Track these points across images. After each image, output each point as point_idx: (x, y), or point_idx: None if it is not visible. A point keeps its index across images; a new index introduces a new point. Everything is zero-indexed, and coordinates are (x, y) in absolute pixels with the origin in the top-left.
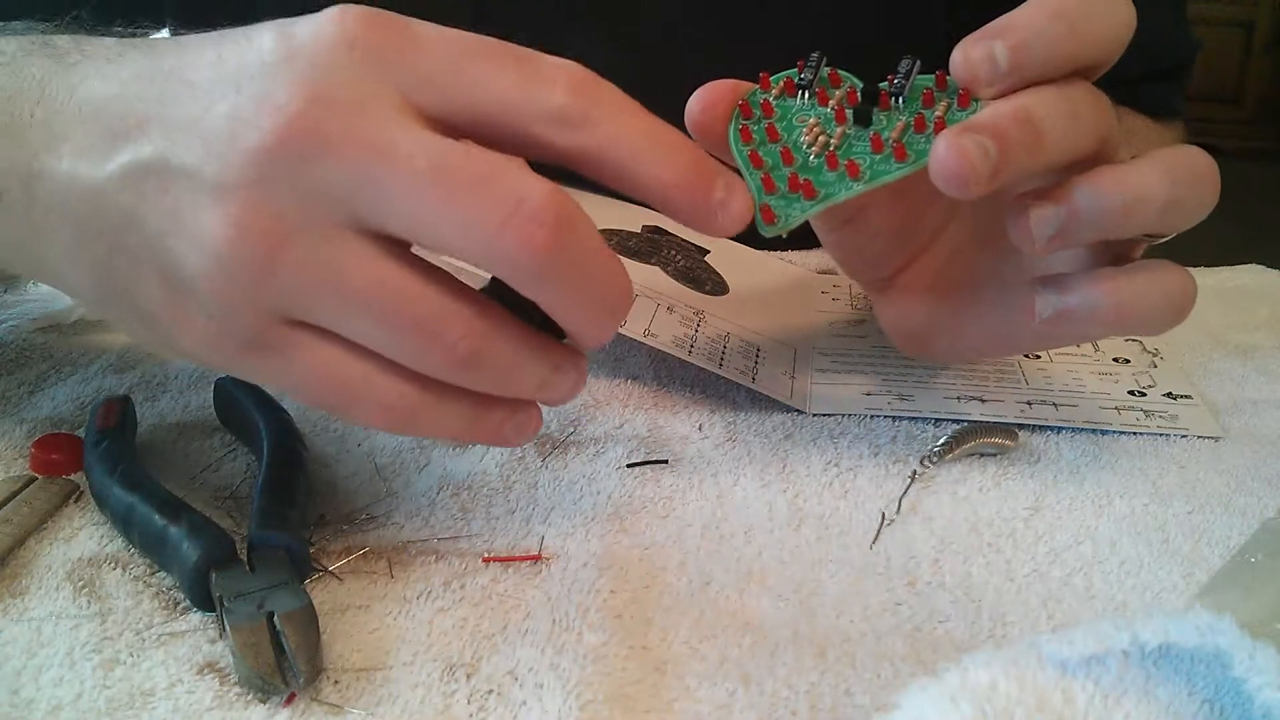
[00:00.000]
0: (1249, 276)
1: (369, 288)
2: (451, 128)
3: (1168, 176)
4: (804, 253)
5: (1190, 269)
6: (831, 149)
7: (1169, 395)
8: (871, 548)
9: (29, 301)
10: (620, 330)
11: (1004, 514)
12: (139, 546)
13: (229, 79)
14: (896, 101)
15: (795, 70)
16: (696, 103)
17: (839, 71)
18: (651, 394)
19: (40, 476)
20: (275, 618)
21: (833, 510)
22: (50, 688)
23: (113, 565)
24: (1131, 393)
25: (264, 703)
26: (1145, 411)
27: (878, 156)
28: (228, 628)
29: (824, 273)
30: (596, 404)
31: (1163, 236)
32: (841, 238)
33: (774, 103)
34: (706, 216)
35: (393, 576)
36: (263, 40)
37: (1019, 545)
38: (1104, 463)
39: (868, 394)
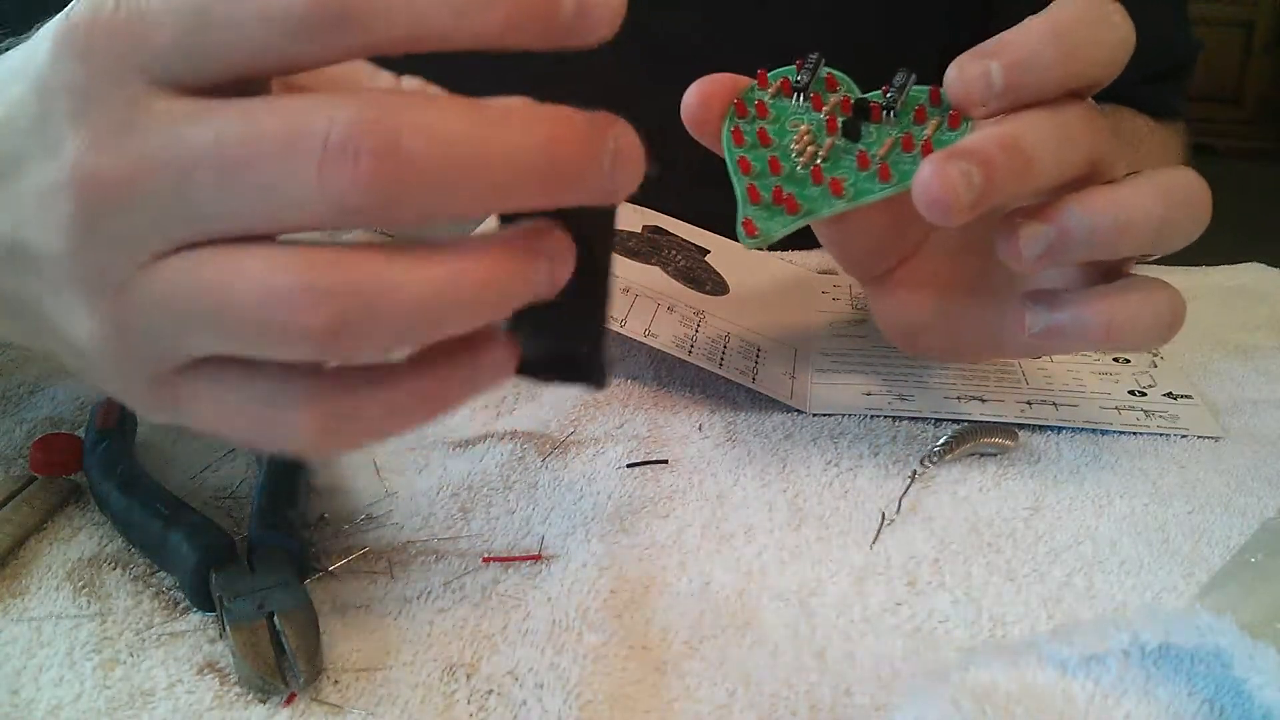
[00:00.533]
0: (1250, 275)
1: (195, 297)
2: (223, 87)
3: (1161, 199)
4: (804, 253)
5: (1190, 268)
6: (819, 162)
7: (1169, 395)
8: (871, 548)
9: None
10: (620, 330)
11: (1004, 514)
12: (139, 546)
13: (20, 141)
14: (888, 115)
15: (793, 69)
16: (693, 96)
17: (835, 75)
18: (651, 394)
19: (40, 476)
20: (275, 618)
21: (833, 510)
22: (50, 688)
23: (113, 565)
24: (1132, 393)
25: (264, 703)
26: (1145, 411)
27: (863, 174)
28: (228, 628)
29: (824, 273)
30: (596, 404)
31: (1152, 255)
32: (834, 233)
33: (769, 103)
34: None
35: (393, 576)
36: (15, 91)
37: (1019, 545)
38: (1104, 463)
39: (868, 394)
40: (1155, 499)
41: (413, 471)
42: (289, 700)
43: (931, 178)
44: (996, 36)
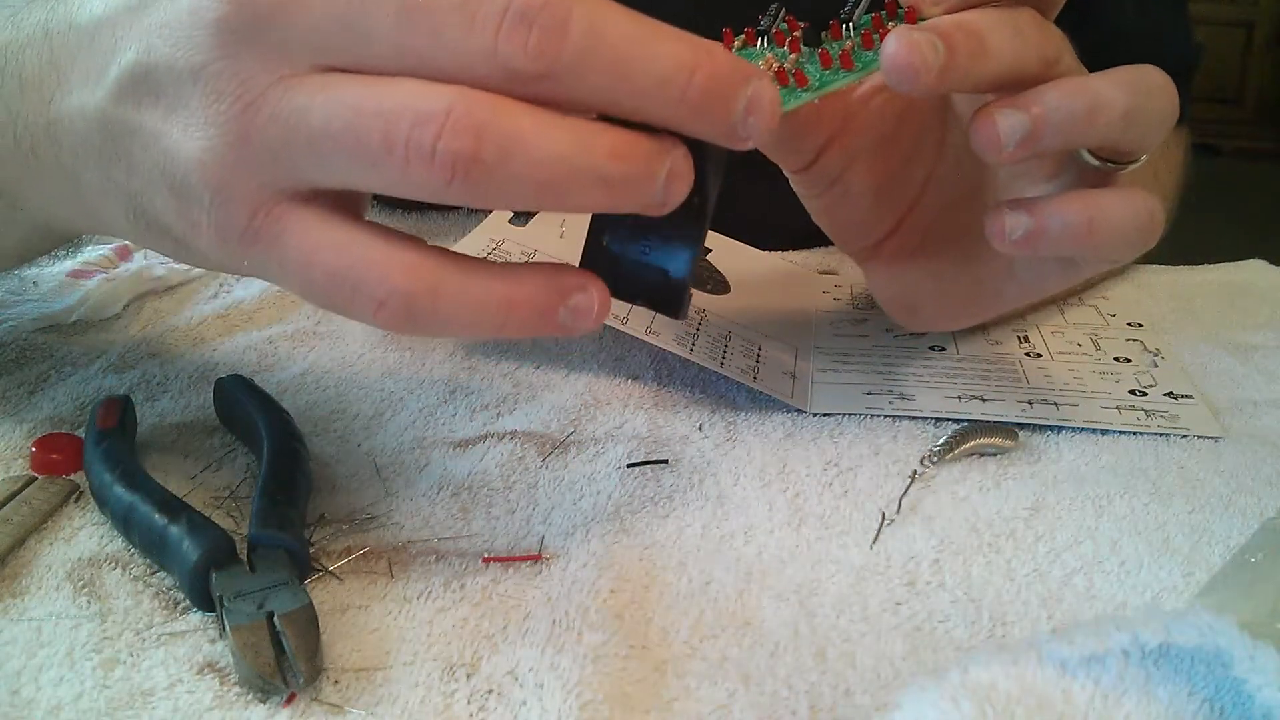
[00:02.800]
0: (1251, 273)
1: (335, 111)
2: None
3: (1127, 86)
4: (804, 253)
5: (1191, 267)
6: (782, 68)
7: (1170, 395)
8: (871, 548)
9: (29, 301)
10: (621, 328)
11: (1004, 514)
12: (139, 546)
13: None
14: (846, 28)
15: (759, 23)
16: None
17: (796, 20)
18: (651, 394)
19: (40, 476)
20: (275, 618)
21: (833, 510)
22: (50, 688)
23: (113, 565)
24: (1132, 392)
25: (264, 703)
26: (1146, 411)
27: (826, 71)
28: (228, 628)
29: (824, 273)
30: (596, 404)
31: (1129, 158)
32: (828, 203)
33: (736, 53)
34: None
35: (393, 576)
36: None
37: (1019, 545)
38: (1104, 463)
39: (868, 394)
40: (1155, 499)
41: (413, 471)
42: (289, 700)
43: (898, 44)
44: None
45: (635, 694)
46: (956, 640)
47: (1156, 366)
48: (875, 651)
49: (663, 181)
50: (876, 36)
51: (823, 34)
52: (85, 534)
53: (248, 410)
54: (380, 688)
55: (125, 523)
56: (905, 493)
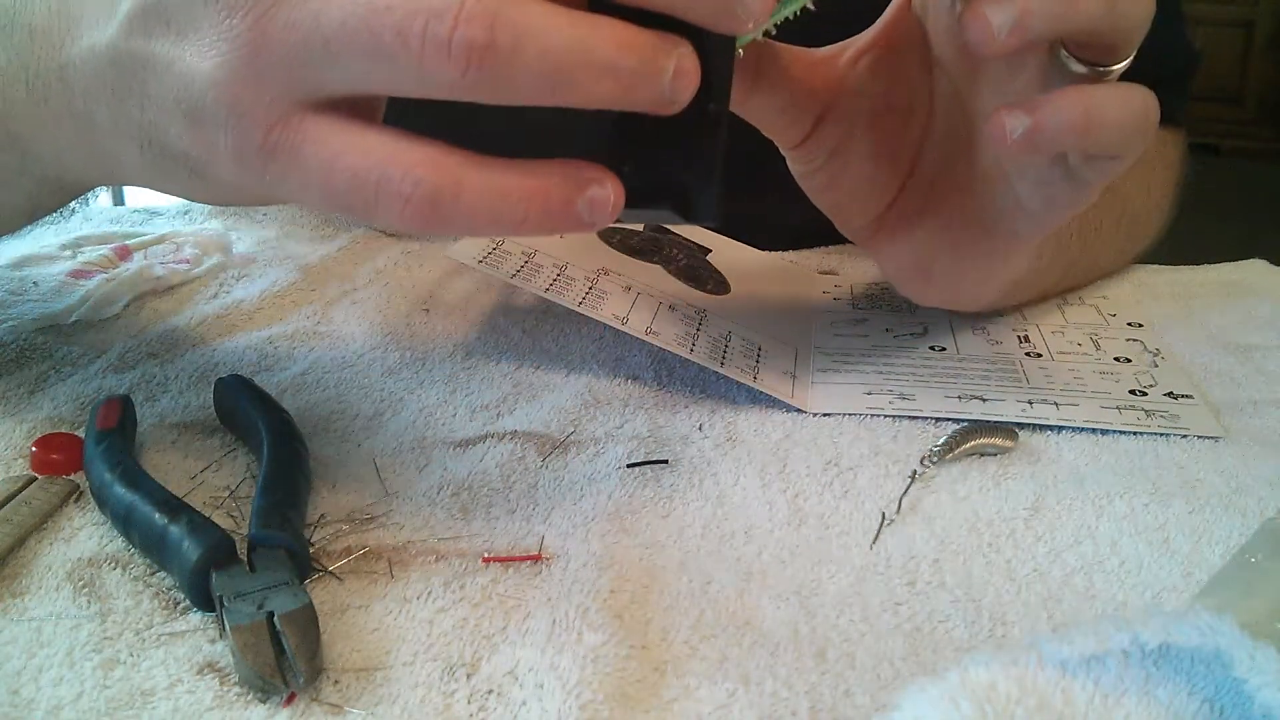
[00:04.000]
0: (1251, 273)
1: (349, 10)
2: None
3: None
4: (804, 252)
5: (1192, 266)
6: None
7: (1170, 395)
8: (871, 548)
9: (29, 301)
10: (622, 328)
11: (1004, 514)
12: (139, 546)
13: None
14: None
15: None
16: None
17: None
18: (652, 394)
19: (40, 476)
20: (275, 618)
21: (833, 510)
22: (50, 688)
23: (113, 565)
24: (1132, 392)
25: (264, 703)
26: (1146, 411)
27: None
28: (228, 628)
29: (824, 273)
30: (596, 404)
31: (1113, 57)
32: (829, 177)
33: None
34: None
35: (393, 576)
36: None
37: (1019, 545)
38: (1104, 463)
39: (868, 394)
40: (1155, 499)
41: (413, 471)
42: (289, 700)
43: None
44: None
45: (635, 694)
46: (956, 640)
47: (1156, 366)
48: (875, 651)
49: (670, 76)
50: None
51: None
52: (85, 534)
53: (248, 410)
54: (380, 688)
55: (125, 523)
56: (905, 493)
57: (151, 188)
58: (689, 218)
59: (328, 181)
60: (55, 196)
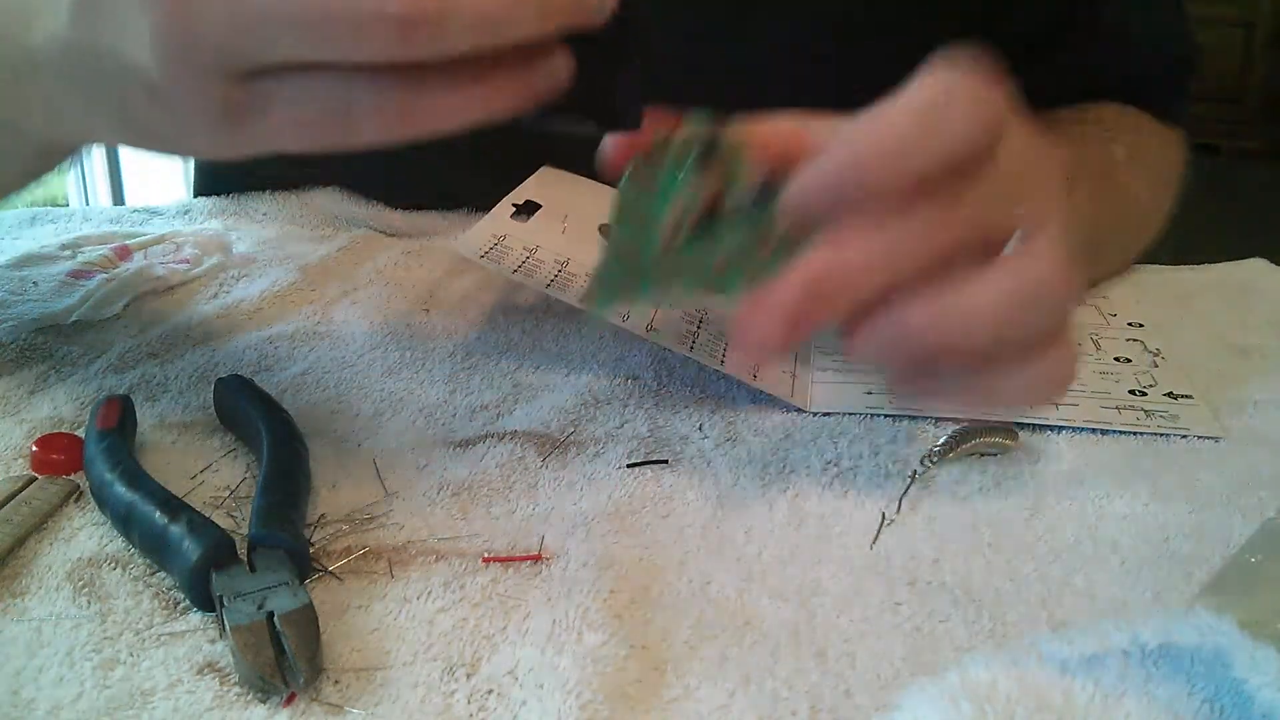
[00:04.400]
0: (1251, 273)
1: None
2: None
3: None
4: None
5: (1192, 266)
6: (669, 245)
7: (1170, 395)
8: (871, 548)
9: (29, 301)
10: (622, 325)
11: (1004, 514)
12: (139, 546)
13: None
14: (742, 216)
15: (689, 124)
16: (609, 150)
17: (728, 143)
18: (652, 394)
19: (40, 476)
20: (275, 618)
21: (833, 510)
22: (50, 688)
23: (113, 565)
24: (1132, 392)
25: (264, 703)
26: (1146, 411)
27: (697, 276)
28: (228, 628)
29: None
30: (596, 404)
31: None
32: None
33: (660, 175)
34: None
35: (393, 576)
36: None
37: (1019, 545)
38: (1104, 463)
39: (868, 393)
40: (1155, 499)
41: (413, 471)
42: (289, 700)
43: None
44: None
45: (635, 694)
46: (956, 640)
47: (1156, 366)
48: (875, 651)
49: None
50: (757, 254)
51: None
52: (85, 534)
53: (248, 410)
54: (380, 688)
55: (125, 523)
56: (905, 493)
57: (145, 150)
58: (615, 124)
59: (302, 128)
60: (53, 158)
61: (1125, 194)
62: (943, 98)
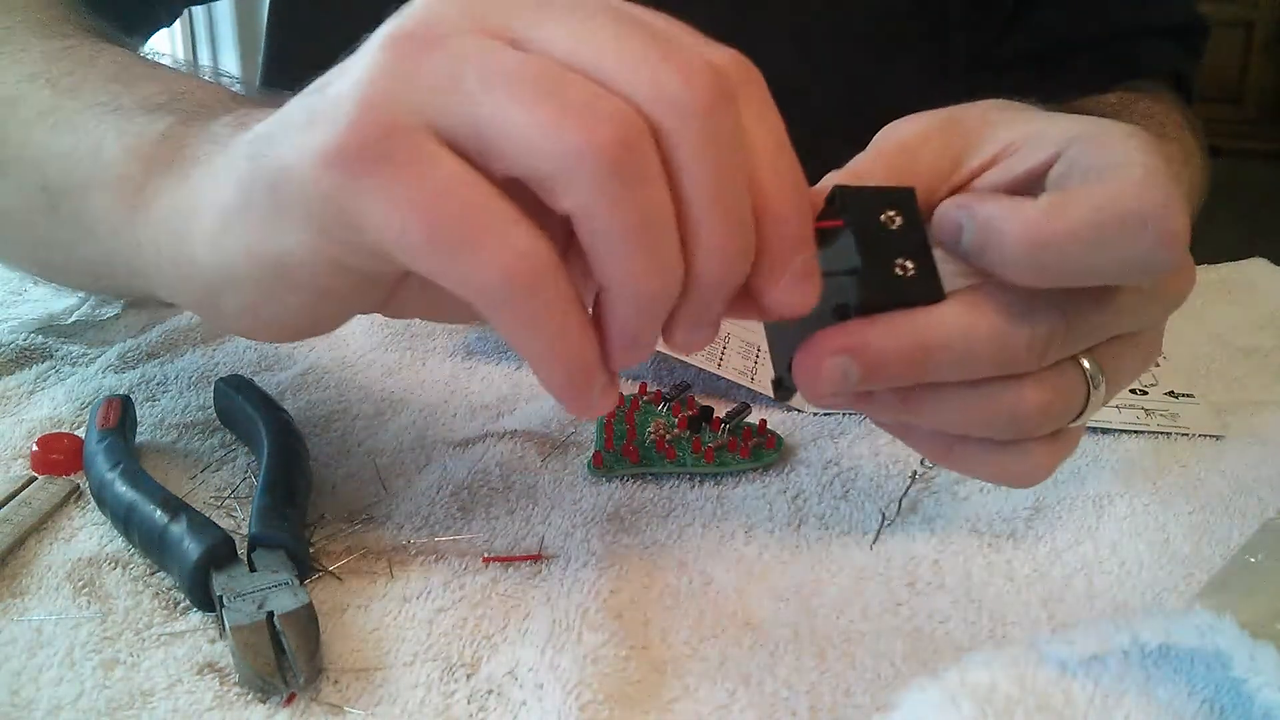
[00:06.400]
0: (1251, 273)
1: (515, 67)
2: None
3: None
4: None
5: (1194, 266)
6: (663, 437)
7: (1170, 394)
8: (871, 548)
9: (29, 301)
10: None
11: (1004, 514)
12: (139, 546)
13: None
14: (724, 427)
15: (665, 390)
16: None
17: (696, 399)
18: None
19: (40, 476)
20: (275, 618)
21: (833, 510)
22: (50, 688)
23: (113, 565)
24: (1132, 391)
25: (264, 703)
26: (1146, 410)
27: (694, 455)
28: (228, 628)
29: None
30: None
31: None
32: None
33: (642, 404)
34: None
35: (393, 576)
36: None
37: (1019, 545)
38: (1104, 463)
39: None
40: (1155, 499)
41: (413, 471)
42: (289, 700)
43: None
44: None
45: (635, 694)
46: (956, 640)
47: (1158, 365)
48: (875, 651)
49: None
50: (739, 446)
51: (703, 424)
52: (85, 534)
53: (248, 410)
54: (380, 688)
55: (125, 522)
56: (905, 493)
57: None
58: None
59: (436, 201)
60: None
61: (1183, 191)
62: (1141, 216)
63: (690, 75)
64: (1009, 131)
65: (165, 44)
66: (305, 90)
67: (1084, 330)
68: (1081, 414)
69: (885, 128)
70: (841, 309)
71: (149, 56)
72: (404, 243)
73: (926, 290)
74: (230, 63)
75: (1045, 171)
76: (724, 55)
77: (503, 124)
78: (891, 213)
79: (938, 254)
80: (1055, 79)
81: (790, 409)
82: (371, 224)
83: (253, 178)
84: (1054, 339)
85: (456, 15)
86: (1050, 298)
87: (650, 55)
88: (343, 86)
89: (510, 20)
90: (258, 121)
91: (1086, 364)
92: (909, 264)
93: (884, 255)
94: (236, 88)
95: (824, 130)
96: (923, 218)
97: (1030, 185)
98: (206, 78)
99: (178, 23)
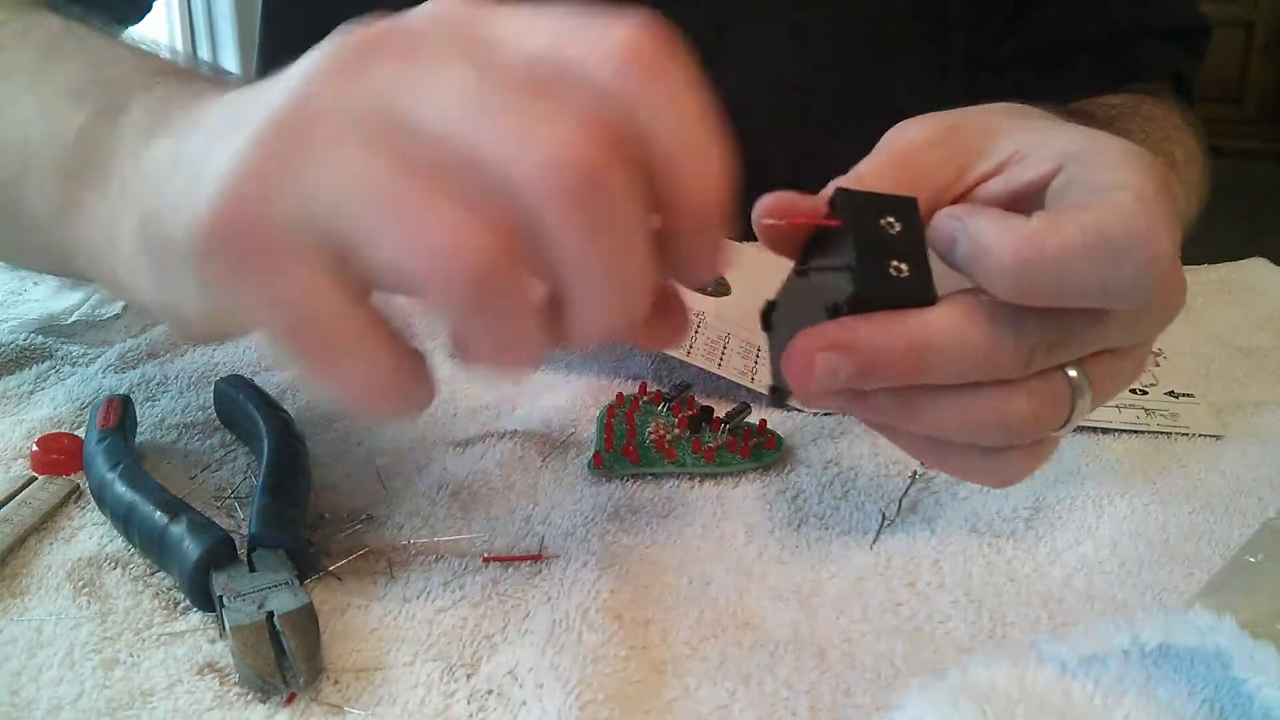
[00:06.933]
0: (1251, 273)
1: (381, 187)
2: None
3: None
4: None
5: (1193, 266)
6: (663, 437)
7: (1170, 394)
8: (871, 548)
9: (29, 301)
10: None
11: (1004, 514)
12: (139, 546)
13: None
14: (724, 427)
15: (665, 391)
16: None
17: (696, 399)
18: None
19: (40, 476)
20: (275, 618)
21: (833, 510)
22: (50, 688)
23: (113, 565)
24: (1133, 390)
25: (264, 703)
26: (1146, 410)
27: (694, 455)
28: (228, 628)
29: None
30: (596, 404)
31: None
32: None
33: (642, 404)
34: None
35: (393, 576)
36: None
37: (1019, 545)
38: (1104, 463)
39: None
40: (1155, 499)
41: (413, 471)
42: (289, 700)
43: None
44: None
45: (635, 694)
46: (956, 640)
47: (1158, 365)
48: (875, 651)
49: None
50: (739, 447)
51: (703, 424)
52: (85, 534)
53: (248, 410)
54: (380, 688)
55: (125, 522)
56: (905, 493)
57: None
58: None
59: (296, 314)
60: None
61: (1184, 193)
62: (1127, 243)
63: (556, 155)
64: (1012, 141)
65: (164, 37)
66: (208, 121)
67: (1073, 342)
68: (1067, 423)
69: (890, 131)
70: (834, 308)
71: (78, 25)
72: (271, 337)
73: (919, 292)
74: (229, 54)
75: (1047, 183)
76: (621, 39)
77: (370, 249)
78: (891, 219)
79: (936, 261)
80: (1055, 79)
81: (791, 409)
82: (241, 314)
83: (143, 234)
84: (1042, 347)
85: (330, 98)
86: (1040, 307)
87: (513, 134)
88: (218, 165)
89: (382, 99)
90: (171, 114)
91: (1074, 374)
92: (903, 266)
93: (880, 256)
94: (165, 54)
95: (824, 129)
96: (922, 226)
97: (1032, 195)
98: (140, 46)
99: (176, 16)
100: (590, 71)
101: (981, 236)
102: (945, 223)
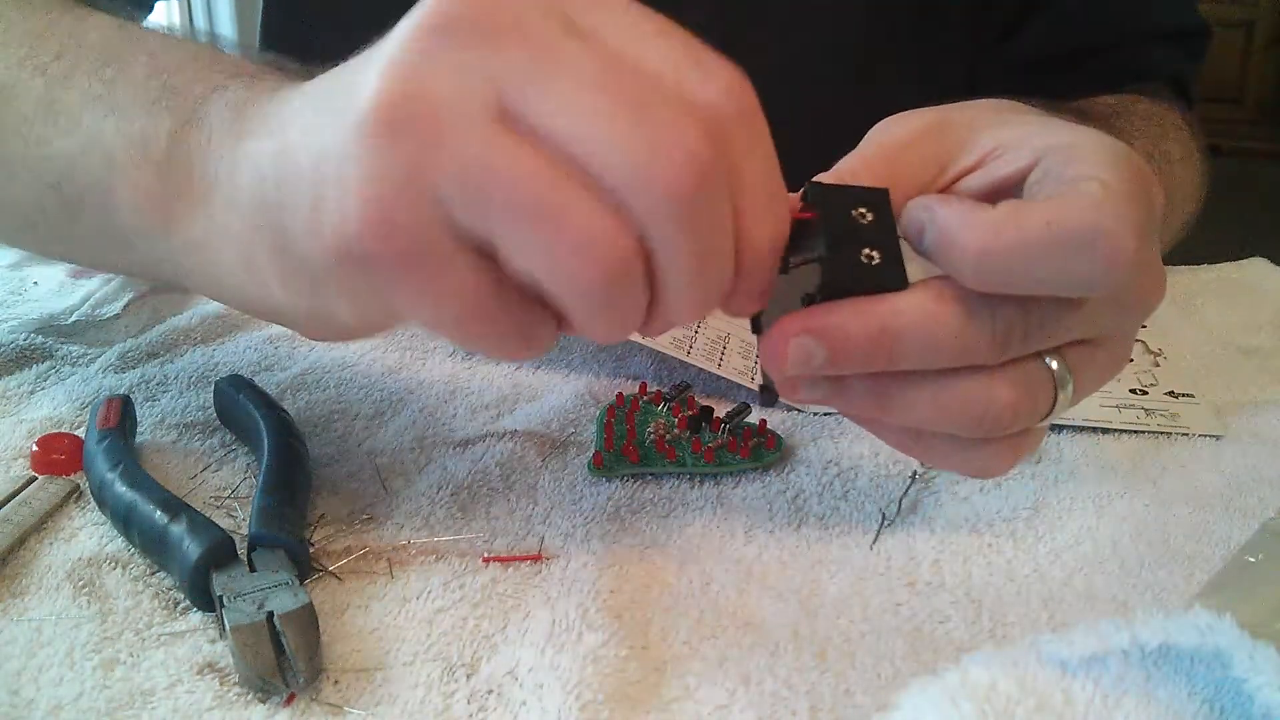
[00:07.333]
0: (1252, 273)
1: (519, 186)
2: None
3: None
4: None
5: (1194, 266)
6: (663, 437)
7: (1170, 394)
8: (871, 548)
9: (29, 301)
10: None
11: (1004, 514)
12: (139, 546)
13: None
14: (724, 427)
15: (665, 391)
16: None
17: (696, 399)
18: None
19: (40, 476)
20: (275, 618)
21: (833, 510)
22: (50, 688)
23: (113, 565)
24: (1133, 391)
25: (264, 703)
26: (1146, 410)
27: (694, 455)
28: (228, 628)
29: None
30: (596, 404)
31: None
32: None
33: (642, 404)
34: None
35: (393, 576)
36: None
37: (1019, 545)
38: (1104, 463)
39: None
40: (1155, 499)
41: (413, 471)
42: (289, 700)
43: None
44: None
45: (635, 694)
46: (956, 640)
47: (1158, 366)
48: (875, 651)
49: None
50: (739, 447)
51: (703, 424)
52: (85, 534)
53: (248, 410)
54: (380, 688)
55: (125, 522)
56: (905, 493)
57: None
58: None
59: (456, 305)
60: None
61: (1180, 190)
62: (1089, 235)
63: (670, 160)
64: (993, 136)
65: (162, 15)
66: (302, 120)
67: (1047, 328)
68: (1048, 415)
69: (875, 127)
70: (809, 297)
71: (130, 23)
72: (432, 327)
73: (891, 277)
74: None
75: (1024, 177)
76: (716, 89)
77: (512, 246)
78: (863, 209)
79: (910, 250)
80: (1057, 84)
81: (791, 409)
82: (398, 306)
83: (262, 245)
84: (1017, 333)
85: (451, 89)
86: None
87: (632, 138)
88: (348, 170)
89: (504, 92)
90: (251, 115)
91: (1055, 365)
92: (875, 254)
93: (851, 244)
94: (224, 47)
95: (824, 129)
96: (895, 217)
97: (1010, 189)
98: (191, 42)
99: (177, 16)
100: (701, 93)
101: (947, 226)
102: (915, 212)
